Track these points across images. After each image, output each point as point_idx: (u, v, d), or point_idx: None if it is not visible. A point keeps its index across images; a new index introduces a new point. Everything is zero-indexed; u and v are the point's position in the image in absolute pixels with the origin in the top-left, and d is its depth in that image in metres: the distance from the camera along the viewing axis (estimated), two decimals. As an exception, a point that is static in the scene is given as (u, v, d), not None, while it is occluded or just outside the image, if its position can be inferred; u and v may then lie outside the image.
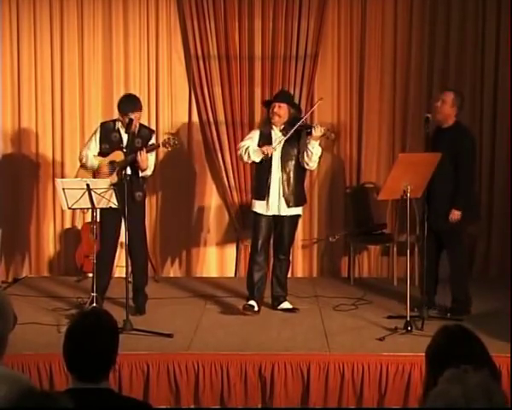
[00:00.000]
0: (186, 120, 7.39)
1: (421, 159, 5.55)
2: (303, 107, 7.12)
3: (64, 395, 2.06)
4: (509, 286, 6.27)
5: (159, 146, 5.97)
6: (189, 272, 7.48)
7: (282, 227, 5.96)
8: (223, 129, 7.20)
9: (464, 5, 7.18)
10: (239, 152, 5.96)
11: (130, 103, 5.85)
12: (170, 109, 7.37)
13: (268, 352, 4.97)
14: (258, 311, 5.92)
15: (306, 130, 5.84)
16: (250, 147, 5.87)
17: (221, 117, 7.22)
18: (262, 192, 5.90)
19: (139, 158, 5.67)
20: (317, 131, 5.74)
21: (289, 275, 6.37)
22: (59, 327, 5.42)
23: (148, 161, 5.79)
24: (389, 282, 7.03)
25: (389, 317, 5.71)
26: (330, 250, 7.46)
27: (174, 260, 7.49)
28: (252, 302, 5.92)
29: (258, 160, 5.87)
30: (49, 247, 7.47)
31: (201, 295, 6.58)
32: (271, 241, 6.13)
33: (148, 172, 5.89)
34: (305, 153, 5.83)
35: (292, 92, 7.10)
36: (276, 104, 5.90)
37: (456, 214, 5.69)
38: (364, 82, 7.30)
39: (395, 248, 7.03)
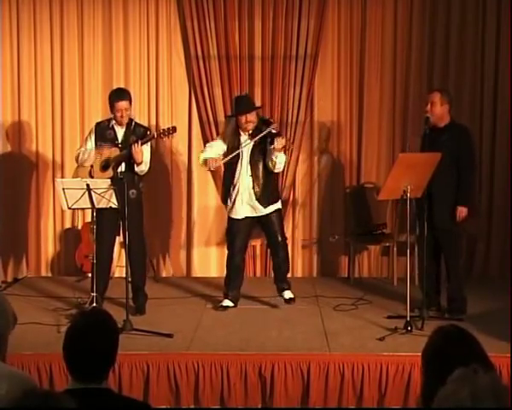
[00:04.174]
0: (186, 120, 7.39)
1: (421, 159, 5.55)
2: (303, 107, 7.14)
3: (66, 395, 2.06)
4: (509, 286, 6.27)
5: (154, 136, 5.89)
6: (189, 272, 7.48)
7: (269, 224, 6.02)
8: (223, 129, 7.19)
9: (464, 5, 7.18)
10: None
11: (116, 93, 5.90)
12: (170, 109, 7.37)
13: (268, 352, 4.97)
14: (235, 305, 6.05)
15: (269, 139, 5.84)
16: (207, 157, 5.94)
17: (221, 117, 7.20)
18: (229, 197, 5.99)
19: (134, 150, 5.65)
20: (278, 144, 5.76)
21: (289, 275, 6.34)
22: (59, 327, 5.43)
23: (144, 156, 5.75)
24: (389, 282, 7.03)
25: (389, 317, 5.72)
26: (330, 250, 7.45)
27: (174, 260, 7.49)
28: (226, 302, 6.06)
29: (211, 169, 6.05)
30: (49, 247, 7.47)
31: (201, 295, 6.58)
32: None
33: (144, 168, 5.82)
34: (269, 159, 5.88)
35: (292, 92, 7.12)
36: (245, 116, 5.88)
37: (463, 211, 5.69)
38: (364, 82, 7.30)
39: (395, 248, 7.02)
